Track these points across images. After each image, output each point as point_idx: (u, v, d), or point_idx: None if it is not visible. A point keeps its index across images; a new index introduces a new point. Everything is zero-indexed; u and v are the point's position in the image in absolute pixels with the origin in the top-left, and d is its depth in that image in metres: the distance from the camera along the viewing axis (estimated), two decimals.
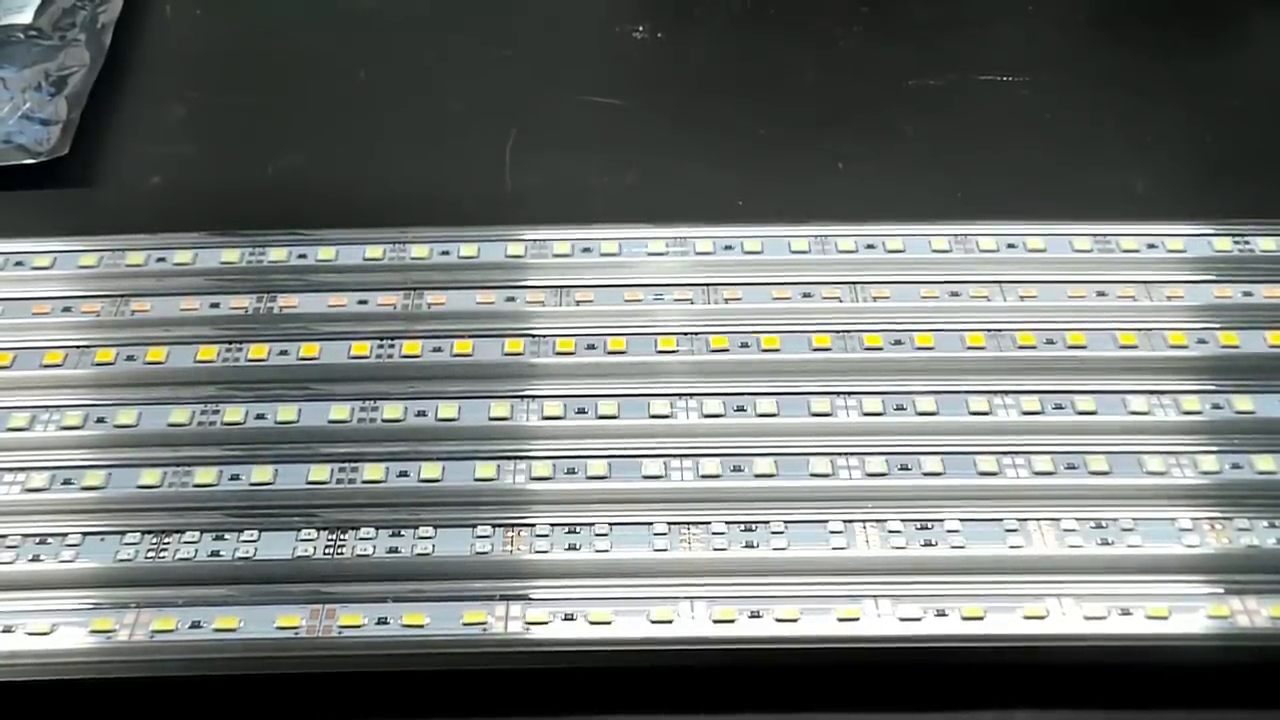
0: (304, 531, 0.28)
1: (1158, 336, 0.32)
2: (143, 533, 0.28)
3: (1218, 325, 0.32)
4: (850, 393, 0.30)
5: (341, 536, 0.28)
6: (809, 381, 0.31)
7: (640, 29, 0.45)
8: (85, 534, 0.27)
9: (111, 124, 0.41)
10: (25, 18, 0.44)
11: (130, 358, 0.31)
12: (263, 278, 0.34)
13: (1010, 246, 0.34)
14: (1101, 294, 0.33)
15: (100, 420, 0.30)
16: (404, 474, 0.29)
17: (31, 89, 0.41)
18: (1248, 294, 0.33)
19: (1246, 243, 0.34)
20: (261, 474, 0.29)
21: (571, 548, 0.27)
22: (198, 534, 0.28)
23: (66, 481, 0.29)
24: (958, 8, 0.46)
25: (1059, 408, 0.30)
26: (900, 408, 0.30)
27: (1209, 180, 0.38)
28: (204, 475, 0.29)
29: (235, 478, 0.29)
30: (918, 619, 0.26)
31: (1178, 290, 0.33)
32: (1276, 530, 0.27)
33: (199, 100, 0.43)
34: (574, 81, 0.43)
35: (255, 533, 0.28)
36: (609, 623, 0.26)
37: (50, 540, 0.27)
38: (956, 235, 0.34)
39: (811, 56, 0.43)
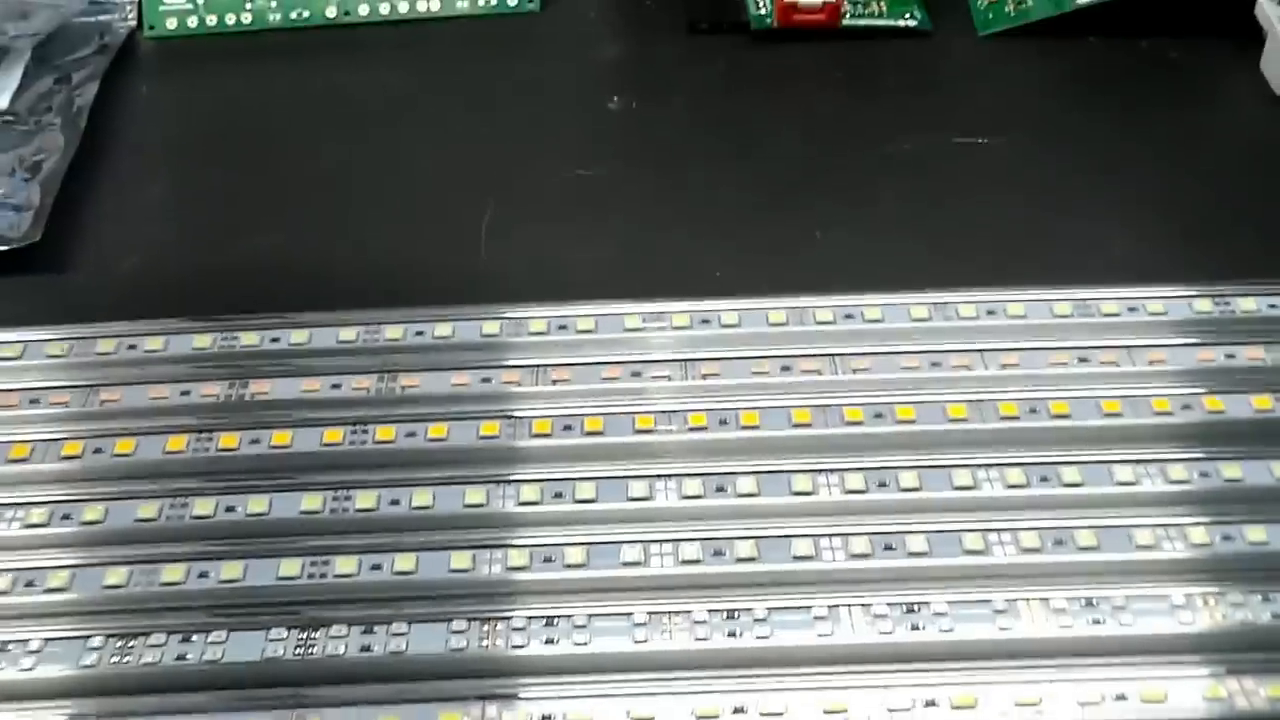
0: (274, 630, 0.27)
1: (1142, 403, 0.31)
2: (107, 636, 0.27)
3: (1202, 390, 0.32)
4: (832, 470, 0.30)
5: (313, 635, 0.27)
6: (789, 459, 0.30)
7: (615, 99, 0.45)
8: (47, 639, 0.27)
9: (85, 208, 0.41)
10: (1, 103, 0.44)
11: (98, 450, 0.31)
12: (235, 363, 0.33)
13: (990, 313, 0.34)
14: (1083, 360, 0.33)
15: (66, 517, 0.29)
16: (377, 567, 0.28)
17: (5, 175, 0.41)
18: (1230, 356, 0.33)
19: (1227, 304, 0.34)
20: (231, 570, 0.28)
21: (549, 641, 0.26)
22: (164, 636, 0.27)
23: (29, 584, 0.28)
24: (931, 71, 0.47)
25: (1044, 480, 0.30)
26: (883, 484, 0.29)
27: (1187, 241, 0.38)
28: (171, 573, 0.28)
29: (204, 575, 0.28)
30: (907, 709, 0.25)
31: (1160, 354, 0.33)
32: (1271, 605, 0.27)
33: (174, 182, 0.43)
34: (550, 153, 0.43)
35: (224, 632, 0.27)
36: None
37: (10, 647, 0.26)
38: (935, 303, 0.34)
39: (786, 124, 0.44)
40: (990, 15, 0.47)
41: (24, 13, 0.47)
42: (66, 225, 0.39)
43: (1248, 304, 0.34)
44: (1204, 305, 0.34)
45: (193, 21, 0.47)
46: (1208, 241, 0.38)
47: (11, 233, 0.38)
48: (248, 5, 0.48)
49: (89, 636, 0.27)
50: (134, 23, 0.48)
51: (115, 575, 0.28)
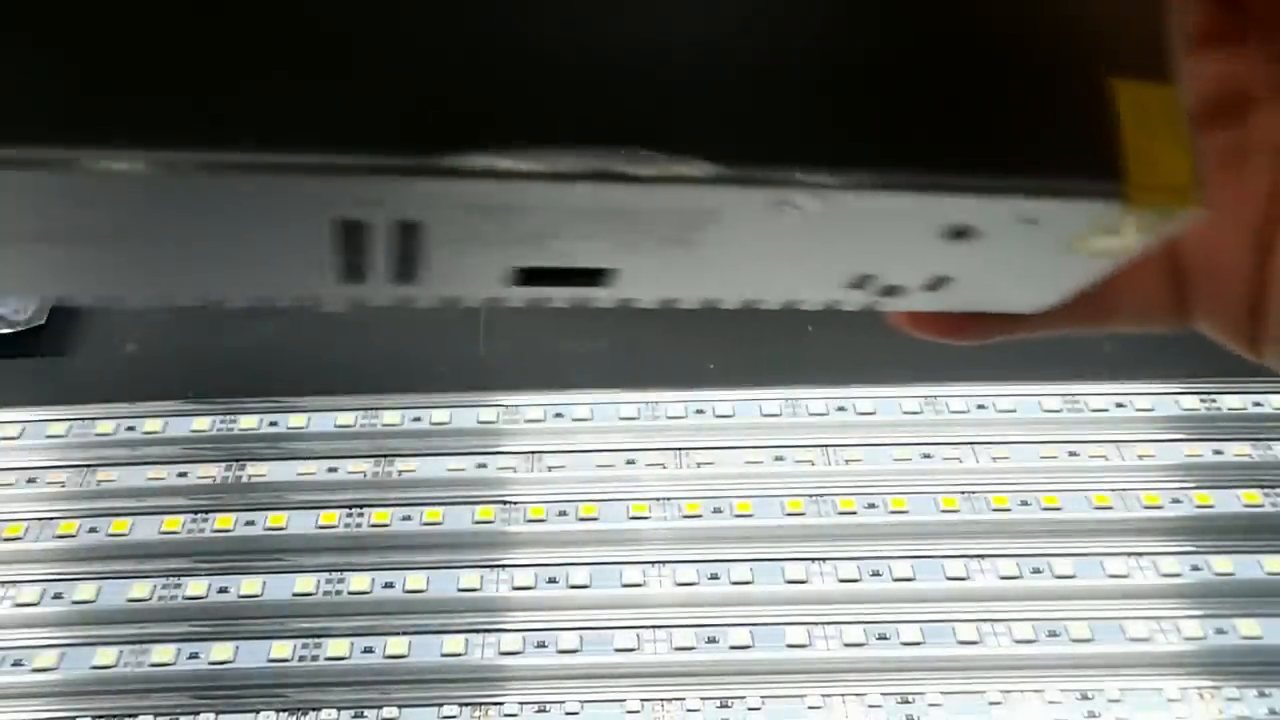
0: (263, 714, 0.26)
1: (1132, 497, 0.32)
2: (94, 718, 0.26)
3: (1191, 485, 0.32)
4: (825, 558, 0.30)
5: (302, 719, 0.26)
6: (783, 547, 0.30)
7: None
8: None
9: None
10: None
11: (93, 529, 0.31)
12: (232, 446, 0.34)
13: (980, 407, 0.34)
14: (1073, 454, 0.33)
15: (57, 596, 0.29)
16: (369, 650, 0.28)
17: None
18: (1218, 452, 0.33)
19: (1213, 400, 0.35)
20: (222, 651, 0.28)
21: None
22: (151, 718, 0.26)
23: (17, 663, 0.28)
24: None
25: (1037, 571, 0.30)
26: (876, 573, 0.30)
27: (1174, 339, 0.39)
28: (162, 653, 0.28)
29: (194, 656, 0.28)
30: None
31: (1148, 449, 0.33)
32: (1267, 699, 0.27)
33: None
34: None
35: (213, 715, 0.27)
36: None
37: None
38: (926, 396, 0.35)
39: None
40: None
41: None
42: (71, 309, 0.40)
43: (1233, 401, 0.35)
44: (1191, 402, 0.35)
45: None
46: (1195, 339, 0.39)
47: (17, 316, 0.39)
48: None
49: (75, 718, 0.26)
50: None
51: (105, 656, 0.28)
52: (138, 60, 0.11)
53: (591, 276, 0.15)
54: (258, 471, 0.33)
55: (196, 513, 0.31)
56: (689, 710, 0.27)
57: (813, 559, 0.30)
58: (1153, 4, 0.14)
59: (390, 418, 0.34)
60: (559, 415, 0.34)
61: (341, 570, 0.30)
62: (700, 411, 0.34)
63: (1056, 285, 0.16)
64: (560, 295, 0.15)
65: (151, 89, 0.11)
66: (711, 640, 0.28)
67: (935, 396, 0.35)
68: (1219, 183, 0.16)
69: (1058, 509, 0.31)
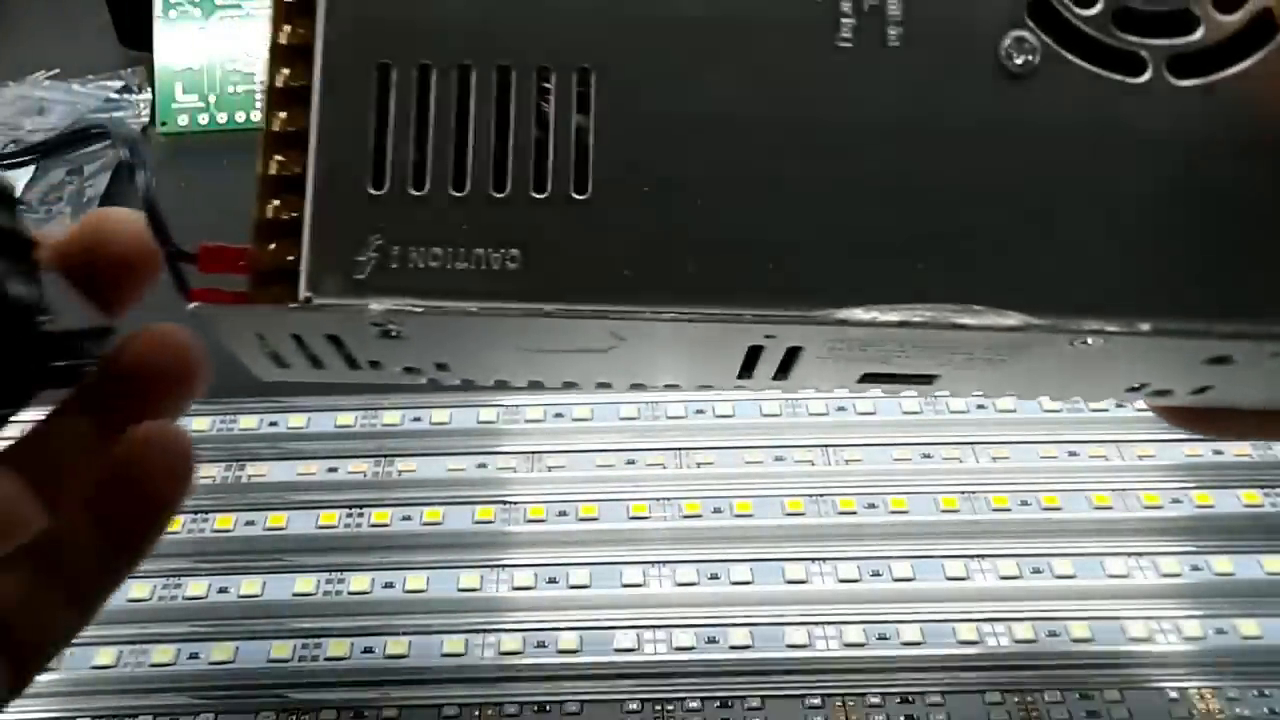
0: (263, 715, 0.26)
1: (1132, 497, 0.32)
2: (94, 718, 0.26)
3: (1191, 485, 0.32)
4: (825, 558, 0.30)
5: (301, 719, 0.26)
6: (783, 548, 0.30)
7: None
8: None
9: None
10: (14, 192, 0.45)
11: None
12: (232, 446, 0.34)
13: (980, 407, 0.34)
14: (1073, 454, 0.33)
15: None
16: (369, 650, 0.28)
17: None
18: (1218, 452, 0.33)
19: None
20: (222, 652, 0.28)
21: None
22: (151, 718, 0.26)
23: None
24: None
25: (1037, 571, 0.30)
26: (876, 573, 0.30)
27: None
28: (162, 654, 0.28)
29: (194, 656, 0.28)
30: None
31: (1148, 449, 0.33)
32: (1267, 699, 0.27)
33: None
34: None
35: (212, 715, 0.27)
36: None
37: None
38: (927, 397, 0.35)
39: None
40: None
41: (41, 109, 0.49)
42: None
43: None
44: None
45: (204, 119, 0.49)
46: None
47: None
48: (258, 103, 0.49)
49: (75, 718, 0.26)
50: (147, 119, 0.50)
51: (105, 656, 0.28)
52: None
53: (919, 379, 0.20)
54: (258, 471, 0.33)
55: (196, 513, 0.31)
56: (689, 710, 0.27)
57: (813, 559, 0.30)
58: None
59: (390, 418, 0.34)
60: (559, 415, 0.34)
61: (341, 570, 0.30)
62: (700, 412, 0.34)
63: None
64: (892, 389, 0.21)
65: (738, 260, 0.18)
66: (711, 640, 0.28)
67: (935, 396, 0.35)
68: None
69: (1058, 509, 0.31)
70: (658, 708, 0.27)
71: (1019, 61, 0.18)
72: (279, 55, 0.17)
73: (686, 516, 0.31)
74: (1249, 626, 0.28)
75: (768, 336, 0.18)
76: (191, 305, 0.17)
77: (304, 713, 0.27)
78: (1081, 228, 0.18)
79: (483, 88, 0.17)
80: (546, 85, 0.18)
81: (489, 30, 0.18)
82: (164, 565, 0.30)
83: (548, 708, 0.27)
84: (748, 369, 0.19)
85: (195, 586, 0.29)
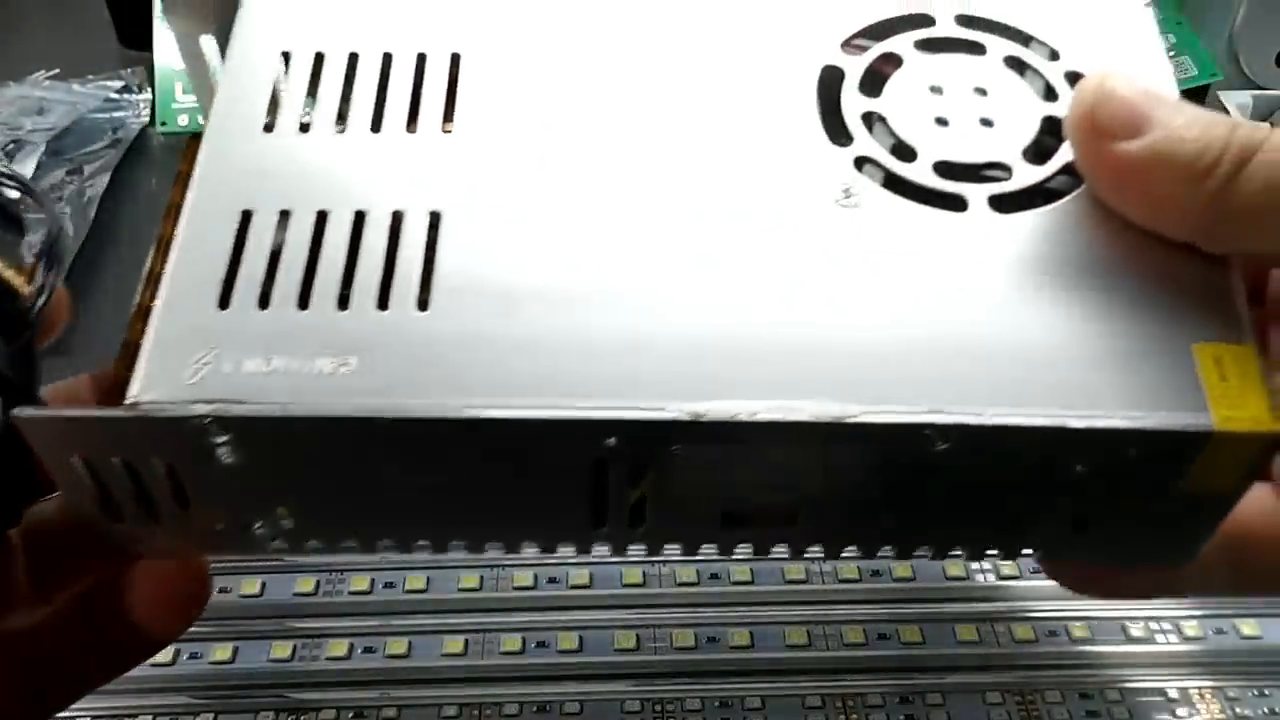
0: (263, 715, 0.26)
1: None
2: (94, 718, 0.26)
3: None
4: (825, 558, 0.30)
5: (302, 719, 0.26)
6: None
7: None
8: None
9: (92, 293, 0.41)
10: (12, 194, 0.45)
11: None
12: None
13: None
14: None
15: None
16: (369, 650, 0.28)
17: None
18: None
19: None
20: (222, 652, 0.28)
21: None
22: (151, 718, 0.26)
23: None
24: None
25: (1037, 571, 0.30)
26: (876, 573, 0.30)
27: None
28: (162, 653, 0.28)
29: (195, 656, 0.28)
30: None
31: None
32: (1267, 699, 0.27)
33: None
34: None
35: (212, 715, 0.27)
36: None
37: None
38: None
39: None
40: None
41: (41, 109, 0.49)
42: (73, 311, 0.40)
43: None
44: None
45: (204, 119, 0.49)
46: None
47: None
48: None
49: (75, 718, 0.26)
50: (147, 118, 0.50)
51: None
52: None
53: (778, 516, 0.19)
54: None
55: None
56: (689, 710, 0.27)
57: (813, 559, 0.30)
58: (1224, 283, 0.18)
59: None
60: None
61: (341, 570, 0.30)
62: None
63: (1188, 534, 0.19)
64: (758, 536, 0.20)
65: None
66: (711, 640, 0.28)
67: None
68: None
69: None
70: (658, 708, 0.27)
71: (849, 201, 0.19)
72: (170, 211, 0.19)
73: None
74: (1249, 626, 0.28)
75: (610, 446, 0.17)
76: (15, 411, 0.17)
77: (304, 713, 0.27)
78: (921, 333, 0.18)
79: (338, 227, 0.19)
80: (399, 225, 0.19)
81: (347, 180, 0.19)
82: None
83: (548, 708, 0.27)
84: (598, 514, 0.19)
85: None
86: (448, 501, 0.19)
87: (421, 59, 0.21)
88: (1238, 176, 0.17)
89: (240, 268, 0.18)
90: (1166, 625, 0.28)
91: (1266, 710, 0.27)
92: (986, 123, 0.21)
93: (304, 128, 0.20)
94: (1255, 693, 0.27)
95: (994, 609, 0.29)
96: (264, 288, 0.18)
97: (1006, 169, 0.20)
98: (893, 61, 0.21)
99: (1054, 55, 0.21)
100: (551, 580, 0.29)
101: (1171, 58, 0.39)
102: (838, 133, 0.20)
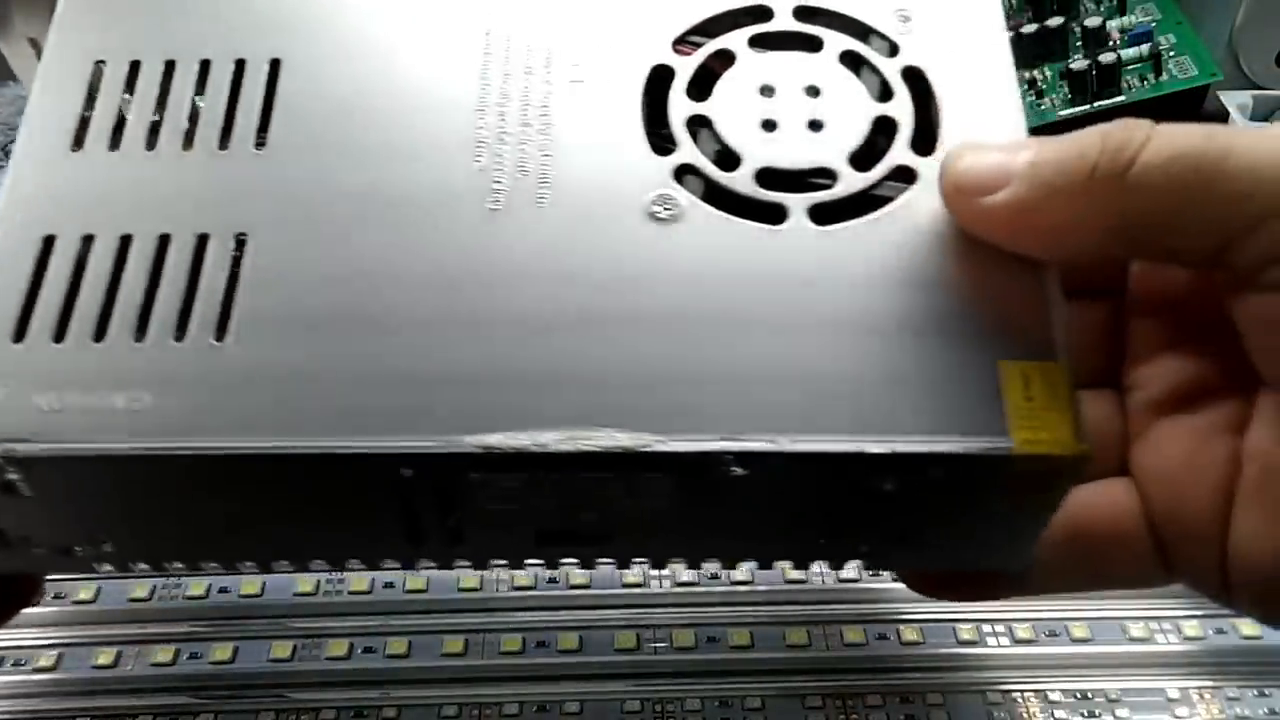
0: (263, 715, 0.26)
1: None
2: (94, 718, 0.26)
3: None
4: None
5: (302, 719, 0.26)
6: None
7: None
8: None
9: None
10: None
11: None
12: None
13: None
14: None
15: (58, 596, 0.29)
16: (369, 650, 0.28)
17: None
18: None
19: None
20: (222, 652, 0.28)
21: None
22: (151, 718, 0.26)
23: (17, 663, 0.28)
24: None
25: None
26: (876, 573, 0.29)
27: None
28: (162, 654, 0.28)
29: (195, 656, 0.28)
30: None
31: None
32: (1267, 699, 0.27)
33: None
34: None
35: (212, 716, 0.27)
36: None
37: None
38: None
39: None
40: None
41: None
42: None
43: None
44: None
45: None
46: None
47: None
48: None
49: (75, 718, 0.26)
50: None
51: (105, 655, 0.28)
52: None
53: (592, 537, 0.19)
54: None
55: None
56: (689, 710, 0.27)
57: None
58: (1041, 296, 0.18)
59: None
60: None
61: (342, 570, 0.30)
62: None
63: (1013, 542, 0.19)
64: (573, 554, 0.20)
65: None
66: (711, 640, 0.28)
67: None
68: (1191, 455, 0.19)
69: None
70: (658, 708, 0.27)
71: (664, 214, 0.19)
72: None
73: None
74: (1249, 626, 0.28)
75: (407, 477, 0.17)
76: None
77: (304, 713, 0.27)
78: (723, 357, 0.18)
79: (141, 252, 0.19)
80: (203, 249, 0.19)
81: (153, 201, 0.19)
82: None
83: (548, 708, 0.27)
84: (415, 536, 0.19)
85: (195, 586, 0.29)
86: (259, 526, 0.19)
87: (240, 66, 0.20)
88: (1127, 174, 0.17)
89: (38, 298, 0.18)
90: (1166, 625, 0.28)
91: (1266, 710, 0.27)
92: (815, 125, 0.20)
93: (114, 144, 0.20)
94: (1255, 693, 0.27)
95: (994, 609, 0.29)
96: (60, 319, 0.18)
97: (832, 175, 0.20)
98: (725, 59, 0.21)
99: (893, 50, 0.21)
100: (551, 580, 0.29)
101: (1171, 57, 0.39)
102: (661, 140, 0.20)
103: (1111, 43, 0.40)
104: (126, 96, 0.21)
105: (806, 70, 0.21)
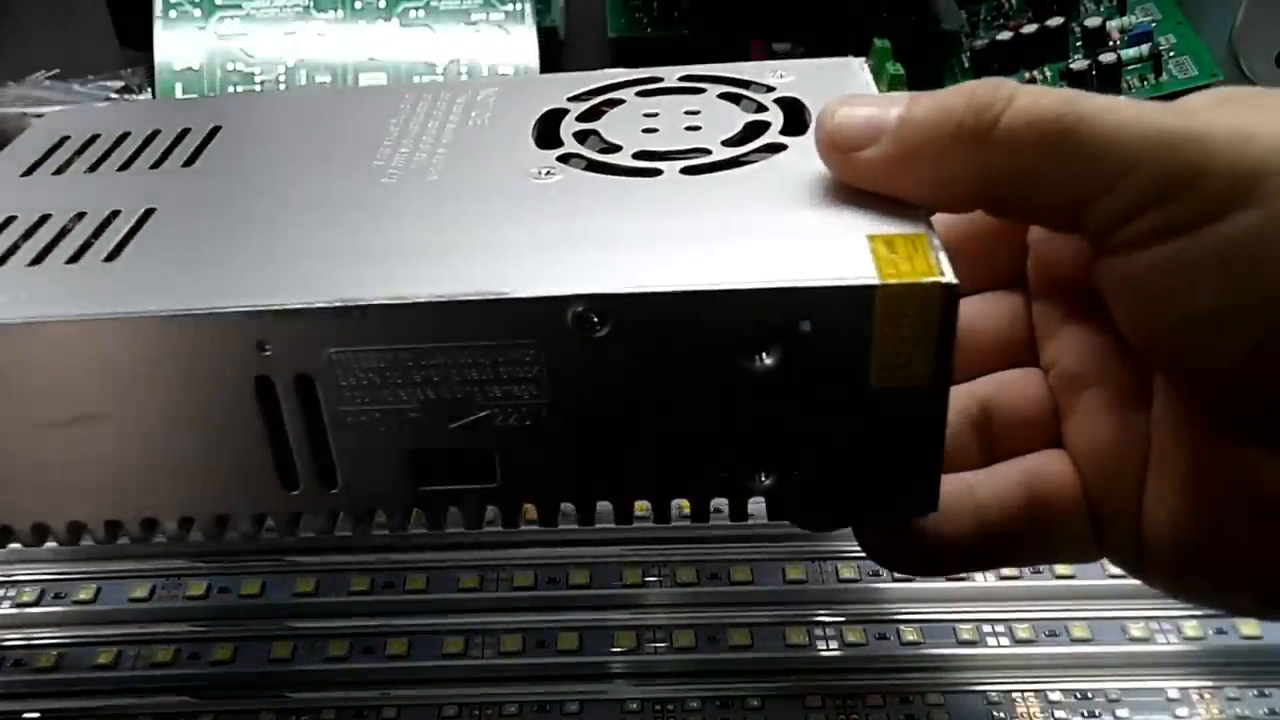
0: (263, 715, 0.26)
1: None
2: (93, 718, 0.26)
3: None
4: (825, 558, 0.30)
5: (302, 719, 0.26)
6: (784, 548, 0.30)
7: None
8: None
9: None
10: None
11: None
12: None
13: None
14: None
15: (58, 596, 0.29)
16: (369, 650, 0.28)
17: None
18: None
19: None
20: (222, 652, 0.28)
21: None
22: (151, 718, 0.26)
23: (17, 663, 0.28)
24: None
25: (1037, 571, 0.30)
26: (875, 573, 0.29)
27: None
28: (162, 654, 0.28)
29: (195, 656, 0.28)
30: None
31: None
32: (1267, 699, 0.27)
33: None
34: None
35: (211, 715, 0.27)
36: None
37: None
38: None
39: None
40: None
41: (41, 109, 0.49)
42: None
43: None
44: None
45: None
46: None
47: None
48: None
49: (75, 718, 0.26)
50: None
51: (105, 656, 0.28)
52: None
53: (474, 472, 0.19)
54: None
55: None
56: (689, 710, 0.27)
57: (813, 559, 0.30)
58: (907, 207, 0.19)
59: None
60: None
61: (342, 570, 0.30)
62: None
63: (911, 466, 0.19)
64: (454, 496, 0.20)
65: None
66: (711, 640, 0.28)
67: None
68: (1110, 431, 0.20)
69: None
70: (658, 708, 0.27)
71: (543, 175, 0.21)
72: None
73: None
74: (1249, 626, 0.28)
75: (265, 350, 0.18)
76: None
77: (304, 713, 0.27)
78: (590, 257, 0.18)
79: (56, 221, 0.22)
80: (111, 219, 0.21)
81: (81, 198, 0.22)
82: (164, 565, 0.30)
83: (548, 708, 0.27)
84: (285, 470, 0.19)
85: (195, 586, 0.29)
86: (122, 460, 0.19)
87: (184, 132, 0.24)
88: (990, 134, 0.18)
89: None
90: (1166, 625, 0.28)
91: (1266, 710, 0.27)
92: (693, 128, 0.22)
93: (60, 171, 0.24)
94: (1255, 693, 0.27)
95: (994, 609, 0.29)
96: None
97: (706, 152, 0.21)
98: (614, 104, 0.23)
99: (769, 89, 0.23)
100: (551, 580, 0.29)
101: (1171, 57, 0.39)
102: (549, 142, 0.22)
103: (1111, 43, 0.40)
104: (85, 148, 0.24)
105: (688, 104, 0.23)
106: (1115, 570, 0.29)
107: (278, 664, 0.28)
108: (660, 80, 0.24)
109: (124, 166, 0.23)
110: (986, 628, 0.28)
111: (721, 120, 0.22)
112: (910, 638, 0.28)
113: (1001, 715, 0.26)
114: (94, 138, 0.25)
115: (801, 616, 0.28)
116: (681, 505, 0.21)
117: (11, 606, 0.29)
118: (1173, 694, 0.27)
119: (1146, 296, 0.18)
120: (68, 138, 0.25)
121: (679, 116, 0.22)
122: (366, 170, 0.22)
